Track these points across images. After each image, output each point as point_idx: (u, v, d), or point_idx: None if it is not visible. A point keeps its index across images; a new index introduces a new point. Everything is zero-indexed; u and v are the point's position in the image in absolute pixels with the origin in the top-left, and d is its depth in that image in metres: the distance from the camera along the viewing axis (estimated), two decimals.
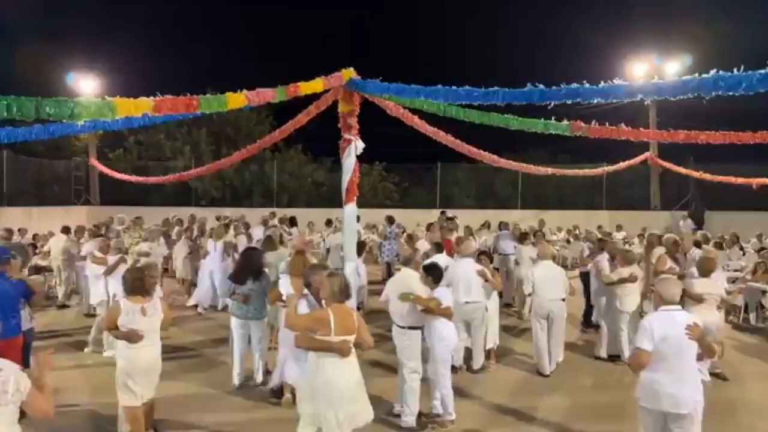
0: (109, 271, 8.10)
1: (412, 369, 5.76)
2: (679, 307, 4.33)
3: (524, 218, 18.90)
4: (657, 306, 4.52)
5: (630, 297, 7.85)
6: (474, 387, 6.95)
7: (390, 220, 14.82)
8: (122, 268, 8.02)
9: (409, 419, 5.75)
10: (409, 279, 5.96)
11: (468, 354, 7.57)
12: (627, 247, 15.33)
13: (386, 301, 6.05)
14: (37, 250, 12.59)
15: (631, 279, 7.83)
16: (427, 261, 6.67)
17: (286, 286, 5.90)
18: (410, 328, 5.77)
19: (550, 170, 15.48)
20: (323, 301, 4.50)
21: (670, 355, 4.15)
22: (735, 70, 4.17)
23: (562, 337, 7.70)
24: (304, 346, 4.40)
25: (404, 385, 5.78)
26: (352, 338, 4.33)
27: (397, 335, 5.89)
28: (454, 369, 6.30)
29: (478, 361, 7.55)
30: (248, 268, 6.95)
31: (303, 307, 4.71)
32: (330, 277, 4.47)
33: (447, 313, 5.75)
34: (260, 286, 6.85)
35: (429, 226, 12.90)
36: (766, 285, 10.43)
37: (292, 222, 14.92)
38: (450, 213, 16.03)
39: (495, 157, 11.54)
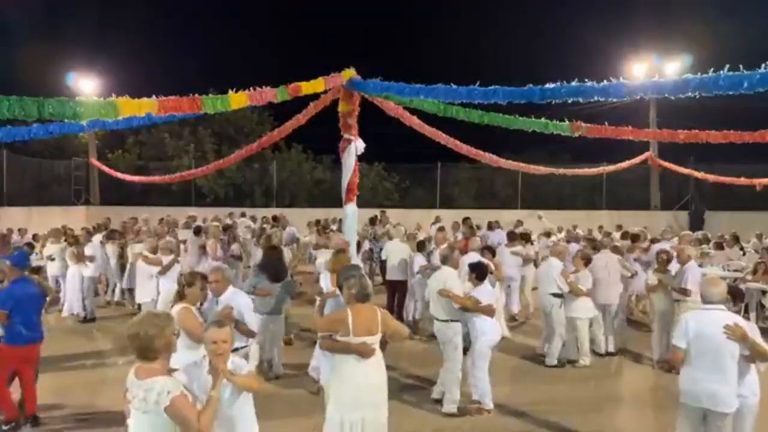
0: (165, 270, 8.29)
1: (455, 360, 6.10)
2: (722, 306, 4.32)
3: (524, 218, 18.91)
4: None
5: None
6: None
7: (372, 221, 14.74)
8: (176, 268, 8.38)
9: (451, 406, 6.08)
10: (446, 276, 6.28)
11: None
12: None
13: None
14: (36, 250, 12.55)
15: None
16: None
17: (326, 282, 6.06)
18: (452, 320, 6.12)
19: (550, 170, 15.47)
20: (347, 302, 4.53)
21: (707, 352, 4.20)
22: (731, 69, 4.19)
23: (555, 330, 7.76)
24: (326, 347, 4.46)
25: (447, 374, 6.13)
26: (374, 339, 4.27)
27: (440, 329, 6.23)
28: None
29: None
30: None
31: (330, 307, 4.73)
32: (347, 279, 4.49)
33: (486, 311, 6.06)
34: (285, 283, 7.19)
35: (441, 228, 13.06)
36: (766, 285, 10.43)
37: (275, 221, 15.02)
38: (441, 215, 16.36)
39: (495, 157, 11.53)
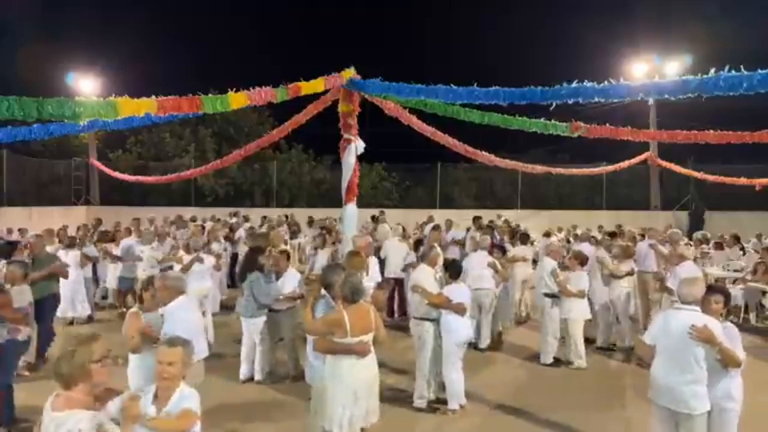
0: (185, 269, 8.35)
1: (423, 357, 6.12)
2: (696, 307, 4.24)
3: (522, 218, 18.93)
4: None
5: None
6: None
7: (376, 220, 14.67)
8: (197, 267, 8.50)
9: (419, 401, 6.13)
10: (420, 273, 6.36)
11: (476, 333, 8.11)
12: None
13: None
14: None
15: None
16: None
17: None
18: (421, 318, 6.13)
19: (547, 169, 15.45)
20: (339, 302, 4.49)
21: (670, 351, 4.19)
22: (732, 69, 4.19)
23: (548, 328, 7.83)
24: (324, 350, 4.39)
25: (417, 371, 6.16)
26: (369, 337, 4.34)
27: (412, 325, 6.36)
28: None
29: (485, 340, 8.33)
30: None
31: (321, 309, 4.68)
32: (342, 280, 4.48)
33: (457, 309, 5.97)
34: (247, 284, 6.83)
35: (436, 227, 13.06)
36: (766, 285, 10.43)
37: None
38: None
39: (492, 156, 11.52)
